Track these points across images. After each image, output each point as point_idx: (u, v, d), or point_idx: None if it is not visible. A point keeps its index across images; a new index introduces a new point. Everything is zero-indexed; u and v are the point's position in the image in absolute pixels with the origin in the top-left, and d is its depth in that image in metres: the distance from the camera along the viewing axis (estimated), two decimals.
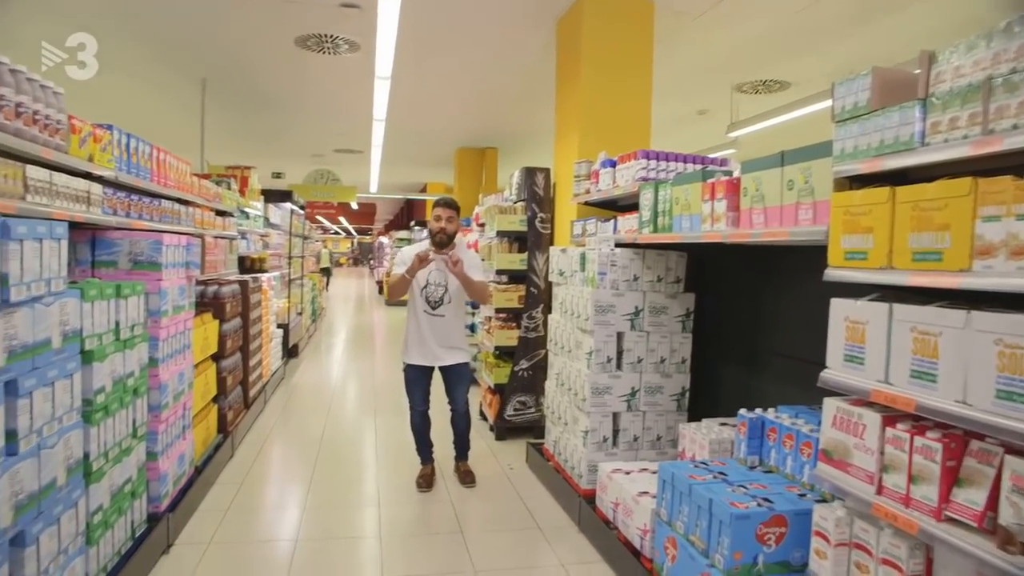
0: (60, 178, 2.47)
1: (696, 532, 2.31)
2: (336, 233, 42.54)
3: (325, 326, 12.71)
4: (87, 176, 2.76)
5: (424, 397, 4.05)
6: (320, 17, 5.15)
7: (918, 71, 1.69)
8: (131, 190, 3.19)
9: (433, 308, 3.93)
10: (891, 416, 1.74)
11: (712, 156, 3.75)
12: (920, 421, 1.71)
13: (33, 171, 2.27)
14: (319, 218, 28.39)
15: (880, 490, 1.74)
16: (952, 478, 1.57)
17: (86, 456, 2.33)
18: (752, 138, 7.31)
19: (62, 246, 2.12)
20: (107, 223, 2.86)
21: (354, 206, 21.85)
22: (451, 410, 4.10)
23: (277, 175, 14.62)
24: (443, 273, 3.93)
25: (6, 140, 2.13)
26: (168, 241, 3.09)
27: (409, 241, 16.50)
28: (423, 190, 17.07)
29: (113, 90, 7.49)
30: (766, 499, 2.20)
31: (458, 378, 4.05)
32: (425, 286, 3.94)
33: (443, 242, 3.90)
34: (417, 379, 4.02)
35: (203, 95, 6.92)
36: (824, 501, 2.12)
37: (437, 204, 4.00)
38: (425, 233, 4.21)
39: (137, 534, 2.83)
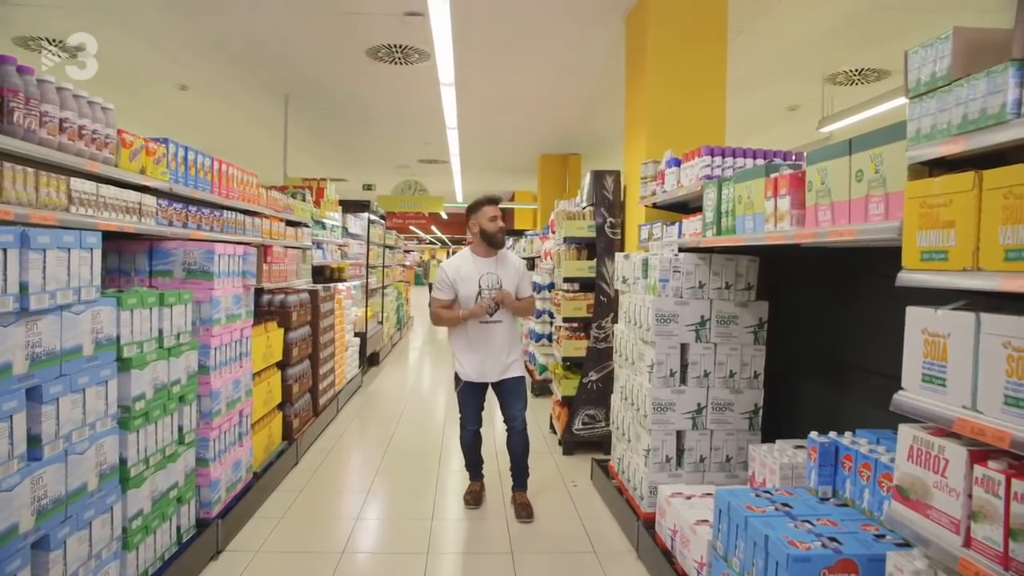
0: (108, 190, 2.54)
1: (752, 572, 2.03)
2: (432, 243, 43.56)
3: (412, 335, 12.92)
4: (143, 189, 2.85)
5: (478, 415, 3.78)
6: (386, 27, 5.19)
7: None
8: (190, 201, 3.28)
9: (490, 315, 3.60)
10: (980, 451, 1.42)
11: (791, 152, 3.41)
12: (1021, 460, 1.39)
13: (78, 183, 2.33)
14: (412, 228, 29.13)
15: (968, 542, 1.42)
16: None
17: (123, 462, 2.36)
18: (847, 132, 6.70)
19: (94, 255, 2.15)
20: (160, 233, 2.93)
21: (443, 216, 22.25)
22: (507, 429, 3.75)
23: (368, 187, 15.08)
24: (494, 275, 3.60)
25: (49, 154, 2.19)
26: (221, 251, 3.13)
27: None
28: (511, 199, 17.10)
29: (208, 111, 7.95)
30: (833, 539, 1.89)
31: (515, 393, 3.70)
32: (478, 293, 3.59)
33: (503, 243, 3.65)
34: (472, 396, 3.73)
35: (286, 110, 7.18)
36: (906, 546, 1.80)
37: (489, 202, 3.66)
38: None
39: (184, 539, 2.86)
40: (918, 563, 1.59)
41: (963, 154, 1.48)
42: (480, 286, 3.58)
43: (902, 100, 5.46)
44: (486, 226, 3.61)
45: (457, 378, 3.72)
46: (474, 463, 3.89)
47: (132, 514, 2.42)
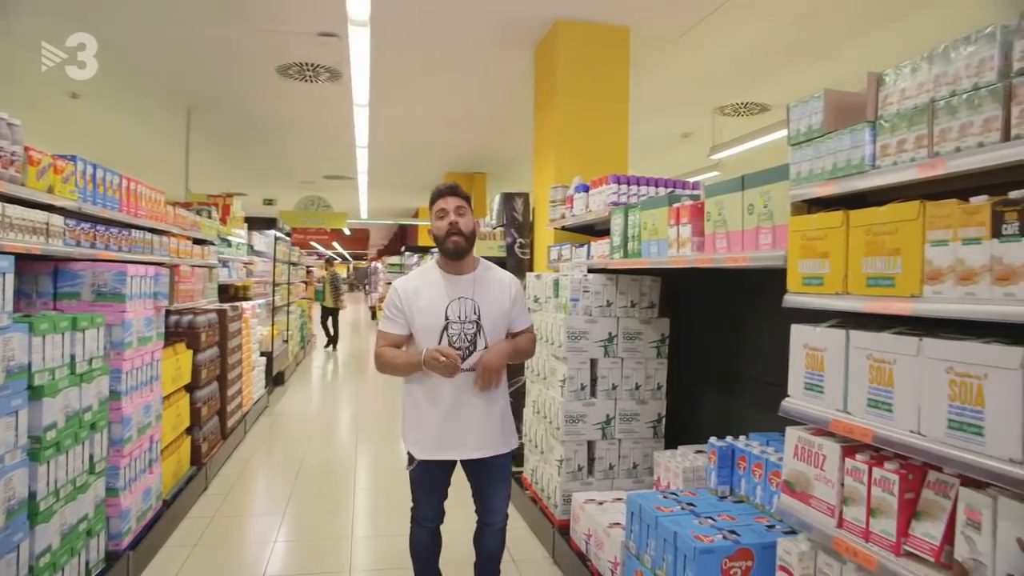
0: (14, 210, 2.43)
1: (663, 567, 2.24)
2: (331, 259, 42.52)
3: (315, 353, 12.61)
4: (49, 208, 2.73)
5: (440, 506, 2.61)
6: (300, 46, 5.18)
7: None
8: (98, 220, 3.16)
9: (463, 359, 2.40)
10: (851, 446, 1.69)
11: (688, 180, 3.74)
12: (881, 451, 1.66)
13: None
14: (313, 244, 28.39)
15: (841, 523, 1.68)
16: (911, 511, 1.51)
17: (32, 496, 2.26)
18: (735, 160, 7.33)
19: (6, 280, 2.07)
20: (67, 254, 2.82)
21: (346, 232, 21.86)
22: (484, 524, 2.65)
23: (268, 202, 14.63)
24: (470, 301, 2.44)
25: None
26: (133, 272, 3.04)
27: (401, 269, 14.37)
28: (415, 215, 17.11)
29: (101, 121, 7.52)
30: (733, 531, 2.14)
31: (501, 477, 2.59)
32: (445, 326, 2.41)
33: (460, 251, 2.43)
34: (432, 478, 2.53)
35: (188, 124, 6.93)
36: (793, 533, 2.06)
37: (440, 195, 2.47)
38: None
39: (94, 574, 2.74)
40: (803, 546, 1.84)
41: (835, 195, 1.76)
42: (447, 317, 2.42)
43: (782, 132, 6.06)
44: (432, 228, 2.49)
45: (409, 454, 2.53)
46: None
47: (40, 551, 2.31)
